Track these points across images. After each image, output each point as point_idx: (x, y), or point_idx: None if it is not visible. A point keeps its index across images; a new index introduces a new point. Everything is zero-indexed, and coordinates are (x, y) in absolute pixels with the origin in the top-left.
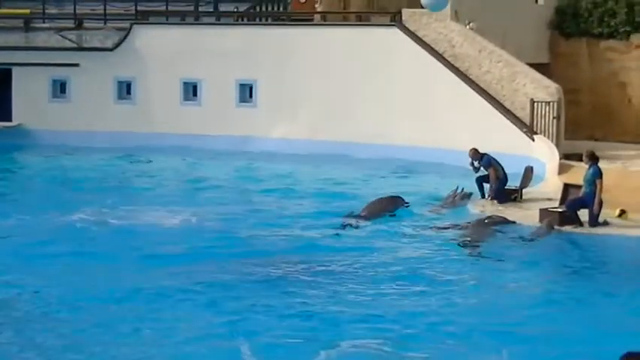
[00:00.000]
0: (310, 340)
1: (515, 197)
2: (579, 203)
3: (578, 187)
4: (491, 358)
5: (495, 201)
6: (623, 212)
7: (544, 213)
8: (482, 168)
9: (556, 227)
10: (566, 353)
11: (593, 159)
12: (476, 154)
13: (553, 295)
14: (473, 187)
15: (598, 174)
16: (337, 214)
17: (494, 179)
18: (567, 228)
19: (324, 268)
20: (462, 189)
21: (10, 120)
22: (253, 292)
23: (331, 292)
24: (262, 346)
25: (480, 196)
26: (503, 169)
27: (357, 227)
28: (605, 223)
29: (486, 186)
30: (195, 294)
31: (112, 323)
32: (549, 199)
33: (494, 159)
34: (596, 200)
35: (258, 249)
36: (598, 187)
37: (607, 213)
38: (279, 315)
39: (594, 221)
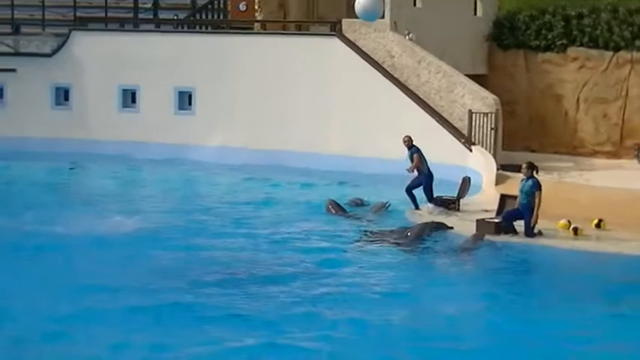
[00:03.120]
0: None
1: (453, 207)
2: (515, 214)
3: (515, 197)
4: None
5: (430, 205)
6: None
7: (481, 223)
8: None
9: (488, 237)
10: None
11: (533, 170)
12: (409, 142)
13: (479, 303)
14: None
15: (537, 186)
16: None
17: (415, 166)
18: (503, 238)
19: (266, 273)
20: (387, 202)
21: None
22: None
23: (271, 296)
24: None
25: (413, 207)
26: (428, 167)
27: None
28: (540, 234)
29: (417, 195)
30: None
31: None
32: (486, 210)
33: (422, 154)
34: (535, 212)
35: (196, 257)
36: (537, 199)
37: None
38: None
39: (529, 232)
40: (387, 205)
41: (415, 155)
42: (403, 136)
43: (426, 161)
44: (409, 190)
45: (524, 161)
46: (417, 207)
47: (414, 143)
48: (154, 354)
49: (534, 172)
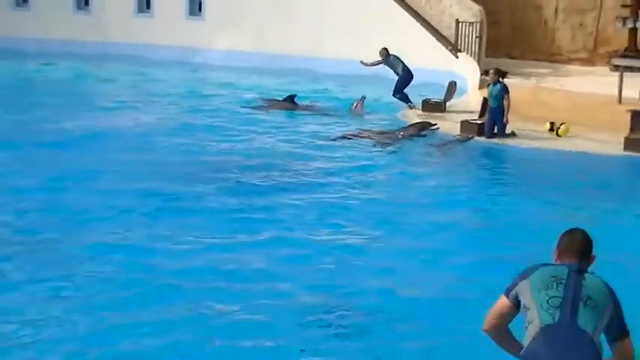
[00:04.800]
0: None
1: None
2: (492, 120)
3: None
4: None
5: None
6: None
7: (465, 124)
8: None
9: (471, 136)
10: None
11: (499, 75)
12: (384, 53)
13: (457, 197)
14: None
15: (505, 90)
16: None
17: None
18: (481, 138)
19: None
20: (363, 96)
21: None
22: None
23: (269, 192)
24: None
25: (407, 106)
26: (404, 67)
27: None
28: (513, 134)
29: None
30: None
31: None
32: (470, 112)
33: (399, 59)
34: (506, 113)
35: (206, 154)
36: (507, 102)
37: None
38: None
39: (503, 132)
40: (363, 98)
41: (400, 67)
42: (380, 49)
43: (402, 62)
44: (397, 92)
45: (506, 67)
46: (410, 104)
47: (390, 53)
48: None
49: (501, 78)
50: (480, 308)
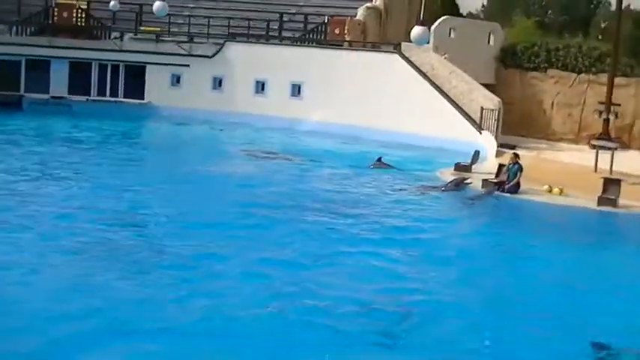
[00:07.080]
0: None
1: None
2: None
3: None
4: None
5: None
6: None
7: (485, 182)
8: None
9: (490, 192)
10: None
11: (517, 158)
12: (514, 159)
13: (482, 239)
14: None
15: (520, 169)
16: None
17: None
18: (498, 193)
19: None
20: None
21: (143, 98)
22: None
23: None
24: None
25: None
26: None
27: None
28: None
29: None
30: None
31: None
32: (489, 173)
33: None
34: (515, 182)
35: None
36: (518, 176)
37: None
38: None
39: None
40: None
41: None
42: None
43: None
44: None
45: (516, 142)
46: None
47: (518, 161)
48: None
49: (518, 160)
50: None
